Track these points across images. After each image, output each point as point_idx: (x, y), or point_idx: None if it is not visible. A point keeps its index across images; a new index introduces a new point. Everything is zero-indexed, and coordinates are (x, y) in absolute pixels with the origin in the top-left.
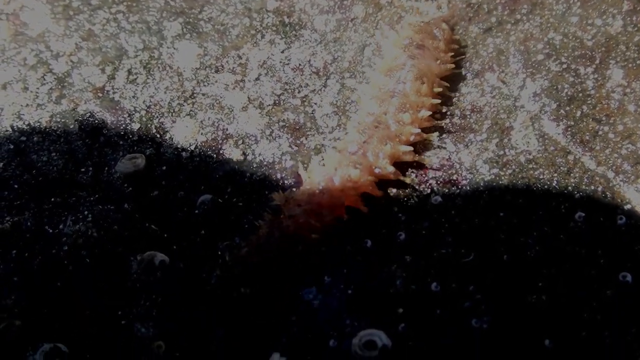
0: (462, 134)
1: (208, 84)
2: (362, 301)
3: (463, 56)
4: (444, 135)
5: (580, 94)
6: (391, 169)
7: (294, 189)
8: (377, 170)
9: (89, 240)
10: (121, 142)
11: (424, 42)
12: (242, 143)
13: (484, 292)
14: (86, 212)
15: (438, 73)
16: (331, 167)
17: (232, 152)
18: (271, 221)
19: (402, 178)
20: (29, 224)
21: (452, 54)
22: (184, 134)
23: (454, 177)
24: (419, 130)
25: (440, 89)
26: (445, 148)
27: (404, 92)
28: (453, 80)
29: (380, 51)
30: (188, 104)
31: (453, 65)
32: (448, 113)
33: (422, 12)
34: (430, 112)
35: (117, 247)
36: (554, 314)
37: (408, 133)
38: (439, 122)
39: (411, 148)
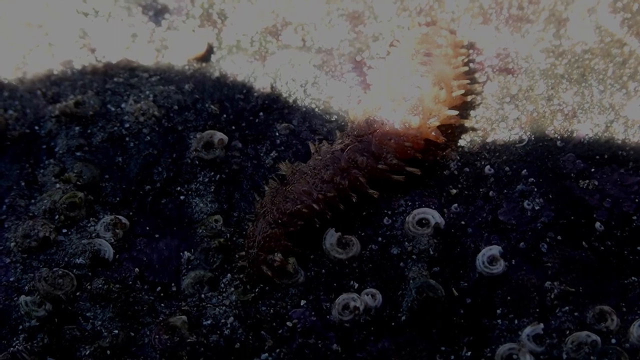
0: (518, 24)
1: None
2: (416, 182)
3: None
4: (500, 26)
5: None
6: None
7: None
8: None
9: (149, 119)
10: (183, 27)
11: (430, 51)
12: (302, 30)
13: (536, 176)
14: (147, 92)
15: (454, 77)
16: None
17: (291, 39)
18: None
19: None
20: (91, 102)
21: (463, 57)
22: (244, 20)
23: (510, 66)
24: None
25: (461, 91)
26: (501, 38)
27: (420, 97)
28: None
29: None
30: None
31: (467, 68)
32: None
33: (416, 24)
34: (439, 123)
35: (177, 125)
36: (606, 199)
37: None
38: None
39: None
